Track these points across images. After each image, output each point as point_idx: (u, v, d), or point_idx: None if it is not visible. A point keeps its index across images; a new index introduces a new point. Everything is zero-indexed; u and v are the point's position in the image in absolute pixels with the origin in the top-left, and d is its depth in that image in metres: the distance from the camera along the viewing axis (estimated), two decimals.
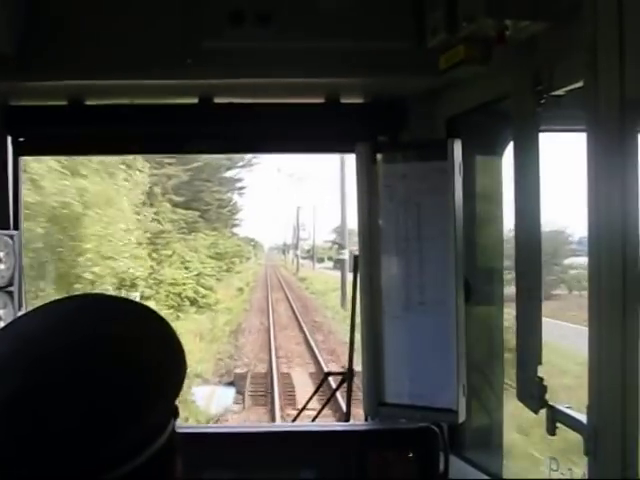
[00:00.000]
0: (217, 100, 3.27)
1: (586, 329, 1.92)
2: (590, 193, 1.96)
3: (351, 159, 3.20)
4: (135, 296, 18.64)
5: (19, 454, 0.97)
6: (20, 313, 3.22)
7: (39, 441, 0.96)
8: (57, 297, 1.24)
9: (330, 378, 3.70)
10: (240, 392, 15.17)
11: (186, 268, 27.88)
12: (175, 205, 31.87)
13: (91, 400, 0.99)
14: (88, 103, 3.25)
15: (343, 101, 3.32)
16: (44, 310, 1.17)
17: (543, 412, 2.28)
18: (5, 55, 2.80)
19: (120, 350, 1.05)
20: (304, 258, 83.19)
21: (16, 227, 3.32)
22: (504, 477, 3.02)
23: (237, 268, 46.68)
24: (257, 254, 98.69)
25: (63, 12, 2.85)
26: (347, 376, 3.39)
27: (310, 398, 3.48)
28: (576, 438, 2.04)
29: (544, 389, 2.28)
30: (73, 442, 0.97)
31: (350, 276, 3.30)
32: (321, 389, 3.68)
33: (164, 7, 2.87)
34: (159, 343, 1.11)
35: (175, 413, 1.12)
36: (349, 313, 3.38)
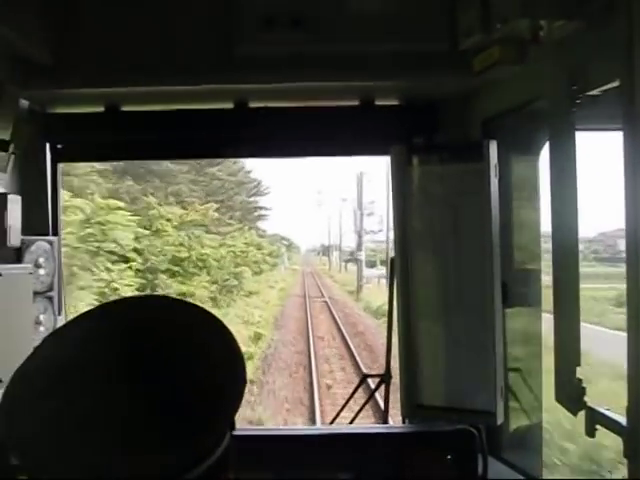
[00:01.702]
0: (252, 105, 3.30)
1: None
2: (627, 193, 1.94)
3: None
4: None
5: (85, 459, 0.98)
6: (59, 318, 3.27)
7: (101, 448, 0.97)
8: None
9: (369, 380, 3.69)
10: None
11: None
12: None
13: (155, 411, 1.00)
14: (124, 109, 3.30)
15: (377, 104, 3.32)
16: (107, 311, 1.17)
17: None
18: (43, 64, 2.86)
19: (187, 361, 1.06)
20: (347, 261, 70.07)
21: (55, 233, 3.37)
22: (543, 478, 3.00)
23: (253, 285, 32.52)
24: (291, 257, 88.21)
25: (99, 20, 2.90)
26: (385, 378, 3.39)
27: (348, 400, 3.47)
28: None
29: (583, 391, 2.26)
30: (136, 451, 0.98)
31: None
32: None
33: (198, 14, 2.90)
34: (223, 355, 1.11)
35: (232, 426, 1.12)
36: None
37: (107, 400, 1.00)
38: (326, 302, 36.07)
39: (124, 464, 0.97)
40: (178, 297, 1.23)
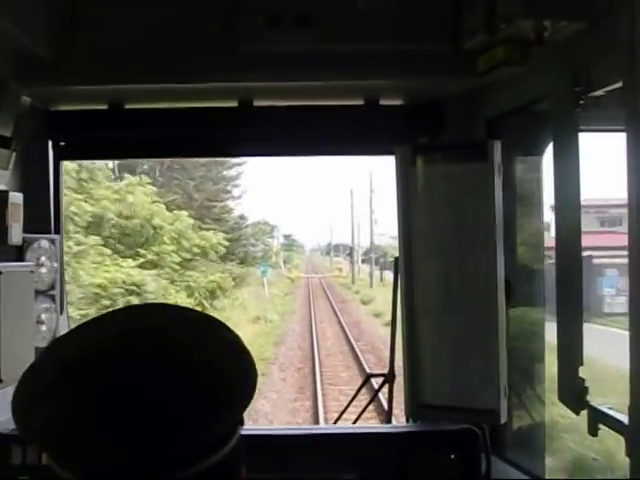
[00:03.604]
0: (256, 103, 3.30)
1: None
2: (630, 194, 1.94)
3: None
4: None
5: (96, 451, 1.00)
6: (61, 317, 3.26)
7: (114, 438, 0.99)
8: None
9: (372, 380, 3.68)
10: None
11: None
12: None
13: (168, 402, 1.02)
14: (128, 107, 3.30)
15: (382, 103, 3.32)
16: (111, 315, 1.19)
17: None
18: (46, 61, 2.86)
19: (195, 356, 1.08)
20: (362, 262, 60.86)
21: (57, 231, 3.36)
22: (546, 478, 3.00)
23: None
24: (291, 258, 74.99)
25: (102, 18, 2.90)
26: (388, 378, 3.39)
27: (351, 400, 3.48)
28: None
29: (585, 390, 2.26)
30: (147, 440, 1.00)
31: None
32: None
33: (203, 11, 2.90)
34: (232, 351, 1.13)
35: (241, 421, 1.13)
36: None
37: (119, 394, 1.01)
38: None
39: (137, 452, 0.99)
40: (182, 305, 1.27)
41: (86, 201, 21.53)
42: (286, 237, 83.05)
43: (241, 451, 1.12)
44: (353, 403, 3.49)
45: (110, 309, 1.24)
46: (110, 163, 24.22)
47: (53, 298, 3.21)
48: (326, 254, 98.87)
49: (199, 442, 1.02)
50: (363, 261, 65.68)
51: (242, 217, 44.35)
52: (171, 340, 1.09)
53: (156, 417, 1.00)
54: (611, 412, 2.15)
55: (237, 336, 1.16)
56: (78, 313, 15.71)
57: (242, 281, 34.44)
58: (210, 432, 1.03)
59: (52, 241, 3.22)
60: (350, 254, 65.01)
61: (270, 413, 13.82)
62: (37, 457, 2.76)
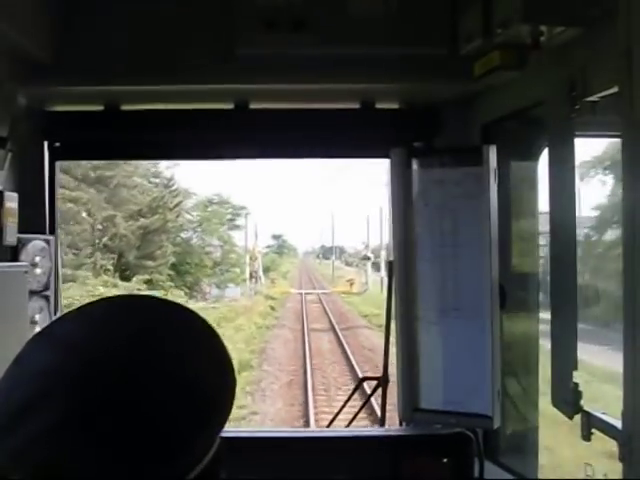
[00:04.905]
0: (252, 106, 3.30)
1: None
2: (625, 201, 1.95)
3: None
4: None
5: (72, 469, 0.95)
6: (56, 317, 3.26)
7: (91, 458, 0.94)
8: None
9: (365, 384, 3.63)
10: None
11: None
12: None
13: (146, 420, 0.98)
14: (124, 108, 3.29)
15: (378, 107, 3.33)
16: (88, 311, 1.12)
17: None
18: (42, 61, 2.86)
19: (173, 366, 1.03)
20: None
21: (52, 231, 3.35)
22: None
23: None
24: (281, 264, 59.80)
25: (99, 18, 2.90)
26: (382, 381, 3.39)
27: (345, 403, 3.47)
28: None
29: (579, 395, 2.27)
30: (129, 459, 0.95)
31: None
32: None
33: (200, 14, 2.90)
34: (212, 360, 1.09)
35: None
36: None
37: (94, 407, 0.97)
38: None
39: (122, 471, 0.95)
40: (165, 298, 1.18)
41: None
42: (275, 237, 75.61)
43: (221, 459, 1.08)
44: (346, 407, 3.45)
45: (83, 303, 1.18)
46: None
47: (47, 299, 3.20)
48: (323, 258, 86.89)
49: (183, 461, 0.98)
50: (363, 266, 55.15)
51: (170, 184, 31.51)
52: (149, 349, 1.03)
53: (140, 435, 0.97)
54: (605, 417, 2.15)
55: (219, 341, 1.11)
56: None
57: None
58: (192, 450, 1.00)
59: (47, 241, 3.22)
60: (366, 258, 50.62)
61: None
62: None
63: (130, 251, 29.08)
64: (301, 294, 41.95)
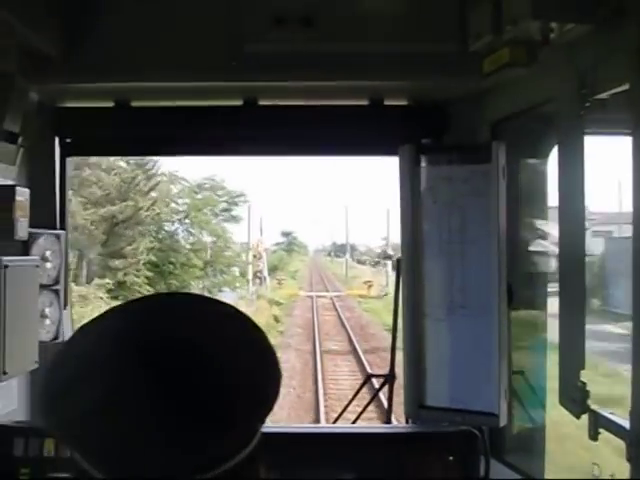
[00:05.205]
0: (261, 102, 3.31)
1: None
2: (636, 199, 1.94)
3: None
4: None
5: (116, 452, 0.99)
6: (65, 311, 3.27)
7: (137, 441, 0.98)
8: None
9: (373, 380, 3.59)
10: None
11: None
12: None
13: (195, 402, 1.01)
14: (134, 104, 3.30)
15: (387, 104, 3.32)
16: (134, 307, 1.17)
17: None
18: (53, 57, 2.87)
19: (223, 357, 1.06)
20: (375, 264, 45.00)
21: (62, 227, 3.37)
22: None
23: None
24: (289, 263, 56.86)
25: (111, 15, 2.91)
26: (388, 378, 3.39)
27: (351, 400, 3.47)
28: None
29: (587, 394, 2.26)
30: (176, 441, 0.99)
31: None
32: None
33: (208, 10, 2.91)
34: (258, 352, 1.12)
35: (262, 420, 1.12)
36: None
37: (139, 395, 1.00)
38: None
39: (165, 453, 0.98)
40: (206, 295, 1.21)
41: None
42: (285, 234, 73.41)
43: (261, 451, 1.12)
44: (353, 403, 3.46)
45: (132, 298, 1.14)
46: None
47: (57, 293, 3.23)
48: (335, 256, 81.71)
49: (226, 444, 1.01)
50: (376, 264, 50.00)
51: (143, 162, 25.61)
52: (199, 338, 1.07)
53: (184, 417, 1.00)
54: (612, 417, 2.14)
55: (264, 335, 1.14)
56: None
57: None
58: (237, 434, 1.03)
59: (57, 236, 3.25)
60: (387, 257, 44.46)
61: None
62: (39, 449, 2.77)
63: (92, 247, 24.44)
64: (311, 297, 37.38)
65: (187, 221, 29.43)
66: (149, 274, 25.57)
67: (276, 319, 27.73)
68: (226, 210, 31.81)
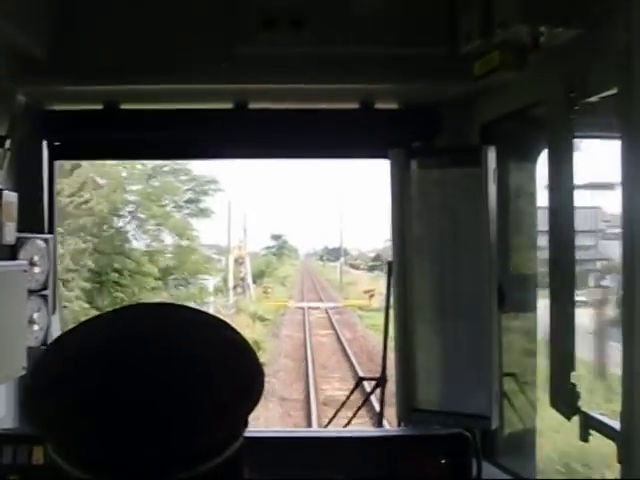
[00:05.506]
0: (252, 106, 3.30)
1: None
2: (624, 202, 1.94)
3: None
4: None
5: (97, 452, 0.99)
6: (54, 317, 3.25)
7: (118, 440, 0.98)
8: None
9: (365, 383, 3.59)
10: None
11: None
12: None
13: (176, 401, 1.01)
14: (123, 107, 3.29)
15: (377, 107, 3.32)
16: (119, 314, 1.18)
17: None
18: (40, 60, 2.86)
19: (203, 357, 1.07)
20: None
21: (50, 231, 3.35)
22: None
23: None
24: (277, 268, 48.82)
25: (99, 18, 2.90)
26: (380, 381, 3.39)
27: (343, 404, 3.47)
28: None
29: (577, 395, 2.26)
30: (155, 439, 0.99)
31: None
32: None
33: (199, 13, 2.90)
34: (239, 352, 1.13)
35: (246, 422, 1.12)
36: None
37: (120, 396, 1.00)
38: None
39: (144, 450, 0.98)
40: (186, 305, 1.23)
41: None
42: (275, 238, 70.06)
43: (244, 452, 1.12)
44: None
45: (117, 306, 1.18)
46: None
47: (46, 298, 3.19)
48: (327, 260, 78.20)
49: (206, 443, 1.01)
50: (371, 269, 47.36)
51: None
52: (178, 341, 1.08)
53: (165, 416, 1.00)
54: (603, 418, 2.15)
55: (242, 336, 1.15)
56: None
57: None
58: (218, 433, 1.03)
59: (45, 241, 3.21)
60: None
61: None
62: (27, 457, 2.75)
63: None
64: (303, 309, 31.58)
65: (141, 215, 23.60)
66: (85, 285, 20.07)
67: (257, 345, 18.20)
68: (192, 201, 25.30)
